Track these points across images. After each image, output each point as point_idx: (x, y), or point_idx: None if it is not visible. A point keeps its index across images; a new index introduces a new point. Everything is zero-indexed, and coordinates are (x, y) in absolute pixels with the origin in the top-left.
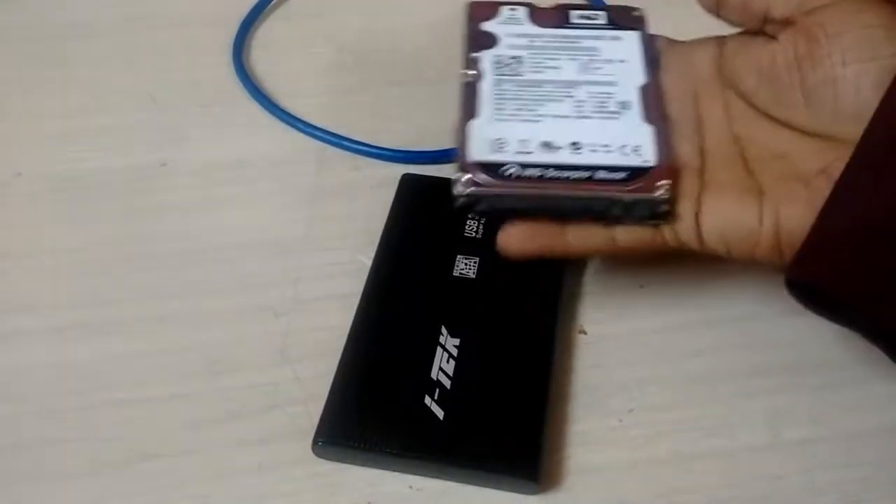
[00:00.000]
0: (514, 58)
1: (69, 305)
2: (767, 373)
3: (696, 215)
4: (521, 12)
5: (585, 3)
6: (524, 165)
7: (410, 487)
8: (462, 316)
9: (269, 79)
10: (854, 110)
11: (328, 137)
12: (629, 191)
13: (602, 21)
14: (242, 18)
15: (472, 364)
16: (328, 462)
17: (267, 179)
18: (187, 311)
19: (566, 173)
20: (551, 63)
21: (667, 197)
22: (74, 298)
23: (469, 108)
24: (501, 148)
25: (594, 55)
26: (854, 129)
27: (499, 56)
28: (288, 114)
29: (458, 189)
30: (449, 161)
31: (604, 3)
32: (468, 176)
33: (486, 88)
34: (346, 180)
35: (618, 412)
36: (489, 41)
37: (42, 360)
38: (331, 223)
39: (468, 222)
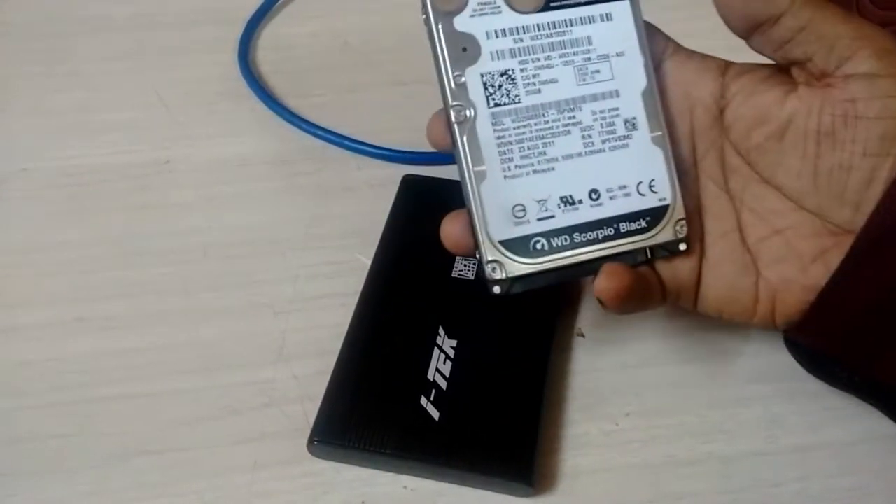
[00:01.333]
0: (504, 74)
1: (69, 300)
2: (765, 379)
3: (696, 288)
4: None
5: None
6: (551, 234)
7: (405, 488)
8: (460, 317)
9: (273, 78)
10: (857, 199)
11: (331, 137)
12: (653, 237)
13: None
14: (249, 17)
15: (468, 365)
16: (323, 461)
17: (269, 178)
18: (186, 308)
19: (593, 233)
20: (546, 74)
21: (684, 235)
22: (75, 293)
23: (473, 161)
24: (522, 216)
25: (589, 52)
26: (851, 216)
27: (487, 75)
28: (291, 113)
29: (490, 276)
30: (450, 162)
31: None
32: (496, 260)
33: (484, 131)
34: (348, 180)
35: (614, 416)
36: (471, 50)
37: (42, 355)
38: (331, 222)
39: None
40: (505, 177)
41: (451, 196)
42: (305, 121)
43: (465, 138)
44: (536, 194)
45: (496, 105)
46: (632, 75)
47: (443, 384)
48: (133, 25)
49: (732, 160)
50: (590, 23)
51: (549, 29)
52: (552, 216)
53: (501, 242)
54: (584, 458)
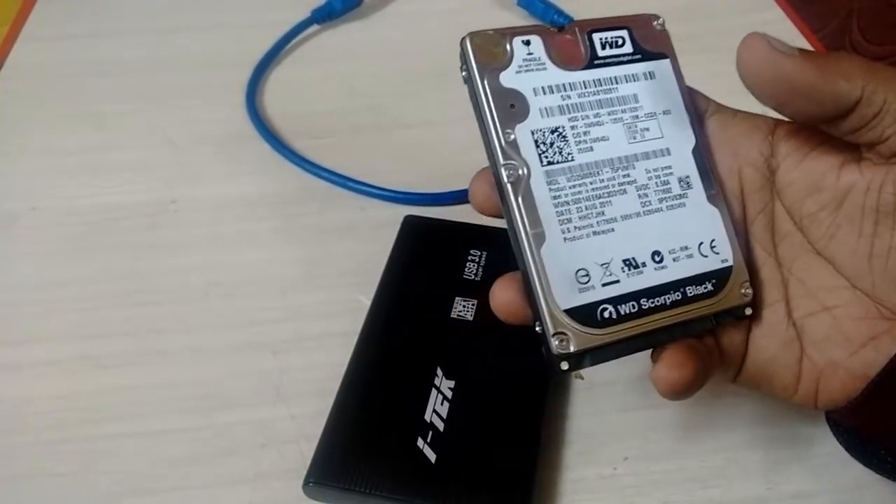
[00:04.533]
0: (554, 131)
1: (75, 338)
2: (767, 422)
3: (742, 359)
4: (538, 47)
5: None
6: (618, 300)
7: None
8: (458, 358)
9: (280, 120)
10: None
11: (334, 178)
12: (720, 301)
13: (628, 49)
14: (257, 62)
15: (465, 407)
16: (319, 502)
17: (272, 218)
18: (187, 347)
19: (660, 298)
20: (596, 132)
21: (750, 299)
22: (77, 331)
23: (531, 223)
24: (586, 282)
25: (636, 109)
26: None
27: (538, 132)
28: (296, 154)
29: (557, 350)
30: (451, 203)
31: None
32: (563, 332)
33: (539, 191)
34: (350, 220)
35: (612, 460)
36: (519, 107)
37: (43, 392)
38: (332, 262)
39: (467, 265)
40: (565, 239)
41: (450, 237)
42: (310, 162)
43: (519, 199)
44: (599, 257)
45: (549, 163)
46: (680, 133)
47: (440, 425)
48: (145, 68)
49: (784, 226)
50: (634, 81)
51: (596, 86)
52: (617, 280)
53: (567, 311)
54: None
